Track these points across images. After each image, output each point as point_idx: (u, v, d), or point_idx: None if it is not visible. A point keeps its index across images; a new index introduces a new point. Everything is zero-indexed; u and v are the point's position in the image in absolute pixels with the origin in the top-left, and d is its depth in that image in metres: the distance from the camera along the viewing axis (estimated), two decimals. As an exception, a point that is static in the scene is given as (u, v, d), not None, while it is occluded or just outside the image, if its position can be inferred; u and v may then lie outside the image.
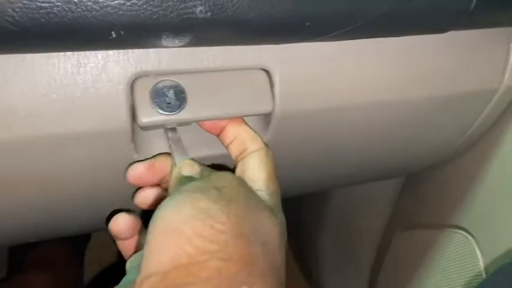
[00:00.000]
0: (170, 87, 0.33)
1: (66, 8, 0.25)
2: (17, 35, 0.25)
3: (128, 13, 0.26)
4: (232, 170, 0.35)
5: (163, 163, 0.35)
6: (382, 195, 0.79)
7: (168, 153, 0.36)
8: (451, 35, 0.38)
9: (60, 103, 0.31)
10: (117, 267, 0.92)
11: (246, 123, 0.36)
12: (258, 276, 0.26)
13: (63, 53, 0.31)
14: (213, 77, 0.34)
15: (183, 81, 0.33)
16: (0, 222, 0.40)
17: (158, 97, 0.32)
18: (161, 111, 0.32)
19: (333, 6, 0.30)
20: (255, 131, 0.36)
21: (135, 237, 0.36)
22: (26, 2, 0.24)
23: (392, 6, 0.32)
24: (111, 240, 0.37)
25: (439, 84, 0.42)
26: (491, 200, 0.53)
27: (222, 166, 0.40)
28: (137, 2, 0.26)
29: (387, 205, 0.78)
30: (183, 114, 0.33)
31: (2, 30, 0.25)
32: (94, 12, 0.26)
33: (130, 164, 0.36)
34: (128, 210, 0.37)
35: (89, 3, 0.26)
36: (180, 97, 0.33)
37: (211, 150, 0.39)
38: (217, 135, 0.36)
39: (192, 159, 0.34)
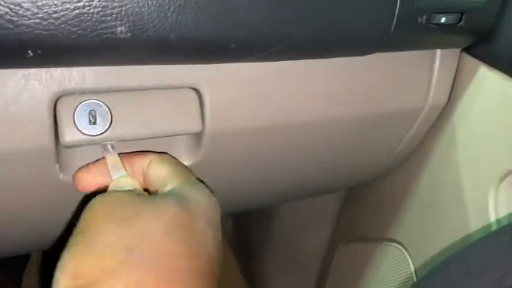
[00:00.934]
0: (95, 106, 0.32)
1: (-21, 27, 0.25)
2: None
3: (44, 32, 0.26)
4: None
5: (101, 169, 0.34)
6: (325, 209, 0.80)
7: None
8: (377, 55, 0.40)
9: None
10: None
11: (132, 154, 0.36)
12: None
13: (-19, 71, 0.30)
14: (140, 96, 0.34)
15: (109, 100, 0.33)
16: None
17: (82, 116, 0.32)
18: (85, 131, 0.32)
19: (255, 29, 0.31)
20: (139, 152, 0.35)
21: None
22: None
23: (314, 31, 0.33)
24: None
25: (366, 103, 0.43)
26: (421, 213, 0.56)
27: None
28: (54, 21, 0.26)
29: (330, 218, 0.80)
30: (108, 134, 0.32)
31: None
32: (9, 31, 0.26)
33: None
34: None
35: (2, 21, 0.25)
36: (105, 116, 0.33)
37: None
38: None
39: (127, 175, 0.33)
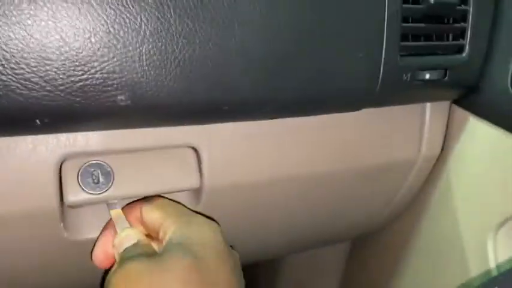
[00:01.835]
0: (97, 167, 0.34)
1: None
2: None
3: (51, 103, 0.29)
4: None
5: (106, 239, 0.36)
6: (331, 260, 0.80)
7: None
8: (368, 110, 0.42)
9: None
10: None
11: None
12: None
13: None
14: (141, 156, 0.36)
15: (111, 161, 0.35)
16: None
17: (85, 177, 0.34)
18: (88, 191, 0.34)
19: (247, 93, 0.33)
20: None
21: None
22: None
23: (303, 92, 0.35)
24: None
25: (360, 156, 0.45)
26: (421, 263, 0.56)
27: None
28: (60, 93, 0.29)
29: (336, 270, 0.79)
30: (109, 193, 0.34)
31: None
32: (19, 103, 0.28)
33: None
34: None
35: (13, 95, 0.28)
36: (107, 176, 0.35)
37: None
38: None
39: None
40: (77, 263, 0.39)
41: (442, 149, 0.51)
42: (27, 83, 0.27)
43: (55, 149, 0.34)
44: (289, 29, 0.33)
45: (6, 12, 0.26)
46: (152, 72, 0.30)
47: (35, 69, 0.27)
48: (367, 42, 0.37)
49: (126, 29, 0.28)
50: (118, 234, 0.34)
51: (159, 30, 0.29)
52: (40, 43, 0.27)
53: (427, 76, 0.41)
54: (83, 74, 0.29)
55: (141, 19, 0.29)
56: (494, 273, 0.46)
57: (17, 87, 0.27)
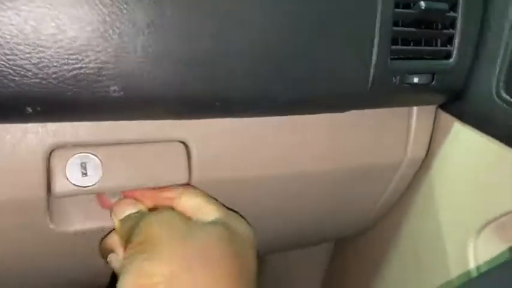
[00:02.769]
0: (86, 158, 0.34)
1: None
2: None
3: (43, 91, 0.28)
4: None
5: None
6: (316, 260, 0.81)
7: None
8: (356, 112, 0.43)
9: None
10: None
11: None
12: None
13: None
14: (130, 149, 0.36)
15: (100, 153, 0.35)
16: None
17: (74, 168, 0.34)
18: (75, 183, 0.34)
19: (239, 90, 0.33)
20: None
21: None
22: None
23: (294, 92, 0.36)
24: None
25: (346, 157, 0.45)
26: (403, 264, 0.57)
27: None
28: (53, 81, 0.28)
29: (318, 270, 0.80)
30: (98, 185, 0.34)
31: None
32: (11, 90, 0.28)
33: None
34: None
35: (5, 81, 0.27)
36: (96, 168, 0.34)
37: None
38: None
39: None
40: (62, 254, 0.39)
41: (427, 153, 0.52)
42: (19, 69, 0.27)
43: (44, 138, 0.33)
44: (282, 30, 0.34)
45: (1, -4, 0.26)
46: (146, 65, 0.30)
47: (28, 55, 0.27)
48: (359, 44, 0.37)
49: (122, 20, 0.28)
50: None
51: (155, 23, 0.29)
52: (35, 30, 0.27)
53: (416, 80, 0.42)
54: (76, 63, 0.28)
55: (138, 10, 0.29)
56: (474, 274, 0.47)
57: (9, 73, 0.27)
